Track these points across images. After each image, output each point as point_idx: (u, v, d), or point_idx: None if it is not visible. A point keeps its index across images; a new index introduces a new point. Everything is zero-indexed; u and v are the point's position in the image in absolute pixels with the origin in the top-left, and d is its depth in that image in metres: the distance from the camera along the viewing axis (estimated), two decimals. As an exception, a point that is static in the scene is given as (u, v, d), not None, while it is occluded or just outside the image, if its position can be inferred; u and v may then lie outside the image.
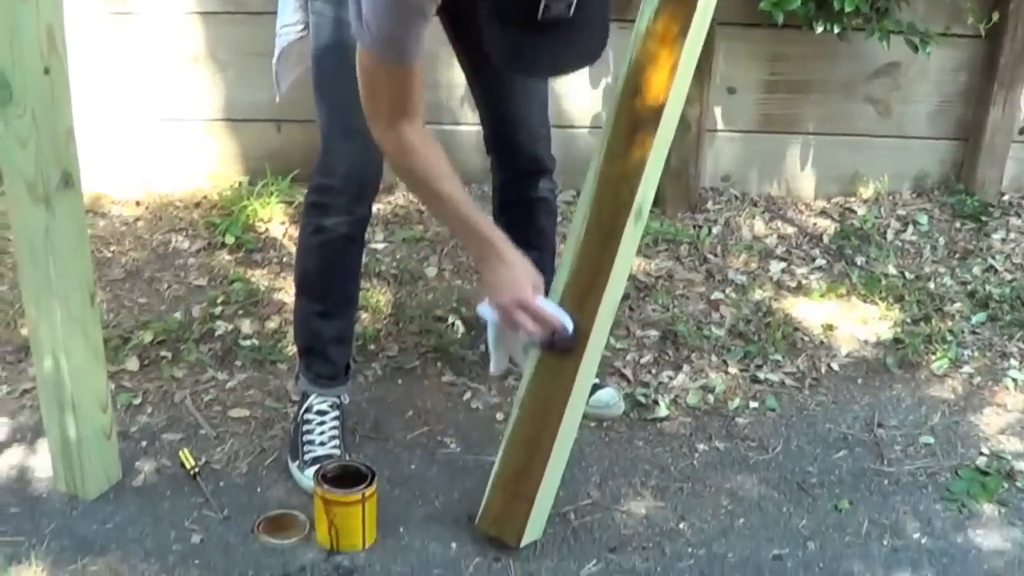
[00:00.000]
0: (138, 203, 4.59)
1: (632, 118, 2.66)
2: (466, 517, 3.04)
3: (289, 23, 3.12)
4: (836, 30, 4.37)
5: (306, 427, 3.22)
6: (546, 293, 2.81)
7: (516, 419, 2.88)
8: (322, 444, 3.18)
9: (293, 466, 3.19)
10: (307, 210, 3.15)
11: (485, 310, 2.84)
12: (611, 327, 3.65)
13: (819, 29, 4.35)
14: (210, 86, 4.66)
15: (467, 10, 2.75)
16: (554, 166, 3.42)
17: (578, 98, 4.66)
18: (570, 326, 2.74)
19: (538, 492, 2.86)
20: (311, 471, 3.05)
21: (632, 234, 2.68)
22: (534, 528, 2.94)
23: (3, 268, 4.10)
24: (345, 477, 2.91)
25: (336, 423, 3.24)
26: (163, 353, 3.70)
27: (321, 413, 3.24)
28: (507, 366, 2.97)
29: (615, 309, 2.81)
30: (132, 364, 3.64)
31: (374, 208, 3.24)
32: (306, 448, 3.18)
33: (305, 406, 3.26)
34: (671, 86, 2.63)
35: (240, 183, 4.70)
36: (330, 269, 3.18)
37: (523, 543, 2.91)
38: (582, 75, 4.57)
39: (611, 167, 2.67)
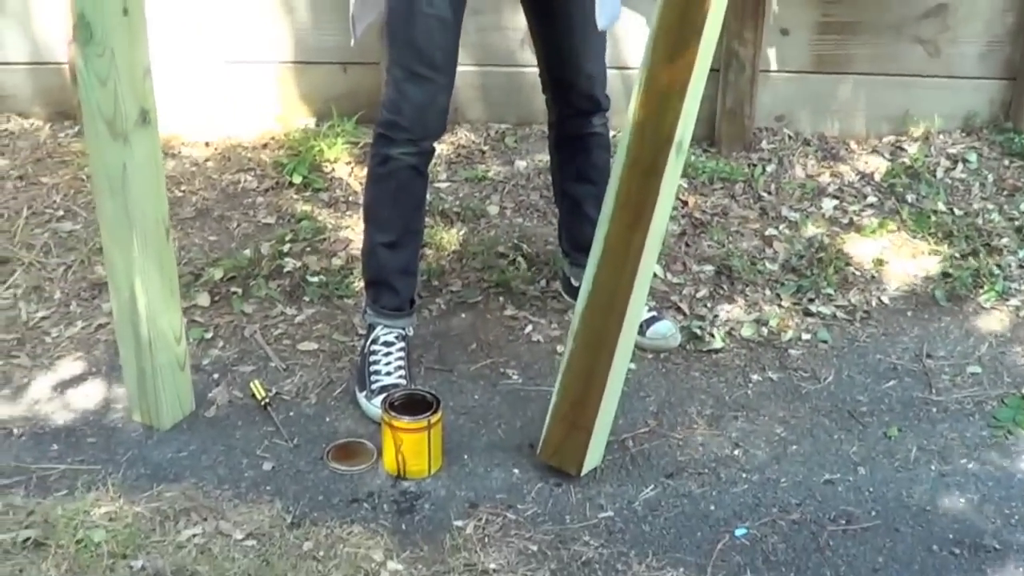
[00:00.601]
0: (207, 144, 4.67)
1: (669, 49, 2.70)
2: (527, 445, 3.15)
3: None
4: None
5: (373, 358, 3.32)
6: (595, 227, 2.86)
7: (571, 351, 2.95)
8: (388, 374, 3.27)
9: (360, 396, 3.28)
10: (375, 141, 3.23)
11: None
12: (668, 262, 3.78)
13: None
14: (277, 28, 4.72)
15: None
16: (609, 105, 3.48)
17: (634, 40, 4.71)
18: None
19: (595, 422, 2.95)
20: (378, 400, 3.14)
21: (674, 167, 2.73)
22: (593, 456, 3.04)
23: (75, 206, 4.21)
24: (411, 405, 3.00)
25: (402, 354, 3.33)
26: (233, 289, 3.80)
27: (388, 344, 3.33)
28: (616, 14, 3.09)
29: (660, 241, 2.86)
30: (203, 300, 3.74)
31: (437, 148, 3.33)
32: (373, 378, 3.27)
33: (372, 337, 3.35)
34: (705, 21, 2.67)
35: (307, 124, 4.78)
36: (396, 199, 3.26)
37: (583, 472, 3.02)
38: (638, 17, 4.62)
39: (650, 100, 2.72)
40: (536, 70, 3.49)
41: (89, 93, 2.73)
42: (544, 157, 4.46)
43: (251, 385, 3.34)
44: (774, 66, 4.83)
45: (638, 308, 2.92)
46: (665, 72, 2.66)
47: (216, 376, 3.41)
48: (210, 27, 4.69)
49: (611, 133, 3.59)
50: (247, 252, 3.98)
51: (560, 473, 3.03)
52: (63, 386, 3.34)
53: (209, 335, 3.59)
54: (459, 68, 3.19)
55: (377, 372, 3.29)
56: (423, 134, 3.18)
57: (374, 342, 3.35)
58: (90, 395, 3.31)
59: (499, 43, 4.70)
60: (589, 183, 3.54)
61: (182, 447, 3.11)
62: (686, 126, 2.72)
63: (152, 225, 2.91)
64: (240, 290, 3.80)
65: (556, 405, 3.02)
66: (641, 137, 2.71)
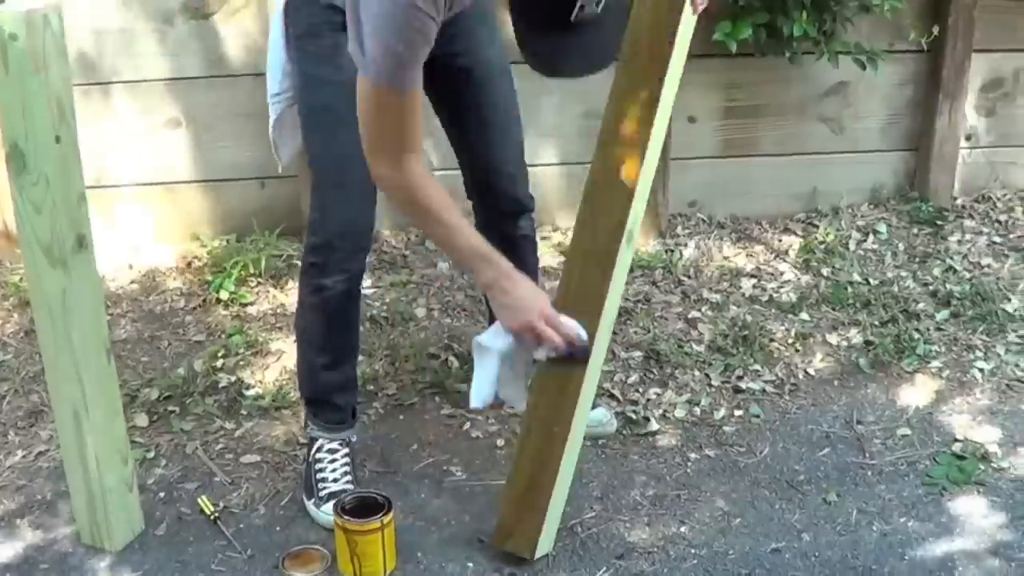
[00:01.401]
0: (131, 267, 4.69)
1: (618, 146, 2.77)
2: (477, 539, 3.17)
3: (278, 92, 3.21)
4: (787, 55, 4.55)
5: (318, 465, 3.34)
6: None
7: (525, 435, 3.03)
8: (335, 480, 3.29)
9: (309, 504, 3.30)
10: (305, 271, 3.24)
11: (491, 337, 2.87)
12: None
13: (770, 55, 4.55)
14: (192, 149, 4.76)
15: (443, 58, 2.90)
16: (533, 205, 3.51)
17: (552, 138, 4.83)
18: (584, 335, 2.83)
19: (549, 504, 3.00)
20: (328, 506, 3.16)
21: (625, 256, 2.80)
22: (545, 541, 3.07)
23: (4, 337, 4.20)
24: (362, 508, 3.02)
25: (347, 459, 3.36)
26: (171, 408, 3.80)
27: (332, 451, 3.35)
28: (490, 401, 2.95)
29: (611, 328, 2.93)
30: (142, 420, 3.73)
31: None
32: (320, 485, 3.29)
33: (316, 446, 3.37)
34: (653, 116, 2.76)
35: (229, 240, 4.80)
36: (332, 324, 3.27)
37: (536, 555, 3.05)
38: (555, 115, 4.72)
39: (601, 193, 2.78)
40: (454, 172, 3.51)
41: (25, 221, 2.75)
42: (466, 257, 4.54)
43: (198, 501, 3.33)
44: (684, 153, 4.94)
45: (590, 392, 3.01)
46: (614, 166, 2.75)
47: (162, 495, 3.40)
48: (125, 150, 4.73)
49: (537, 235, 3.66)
50: (181, 371, 3.98)
51: (514, 563, 3.06)
52: (10, 516, 3.31)
53: (151, 454, 3.59)
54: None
55: (324, 479, 3.30)
56: (351, 251, 3.18)
57: (318, 451, 3.37)
58: (38, 522, 3.29)
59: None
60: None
61: (136, 567, 3.09)
62: (637, 213, 2.79)
63: (94, 349, 2.92)
64: (178, 408, 3.80)
65: (510, 489, 3.08)
66: (593, 229, 2.78)
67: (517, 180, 3.42)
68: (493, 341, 2.86)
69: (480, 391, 2.91)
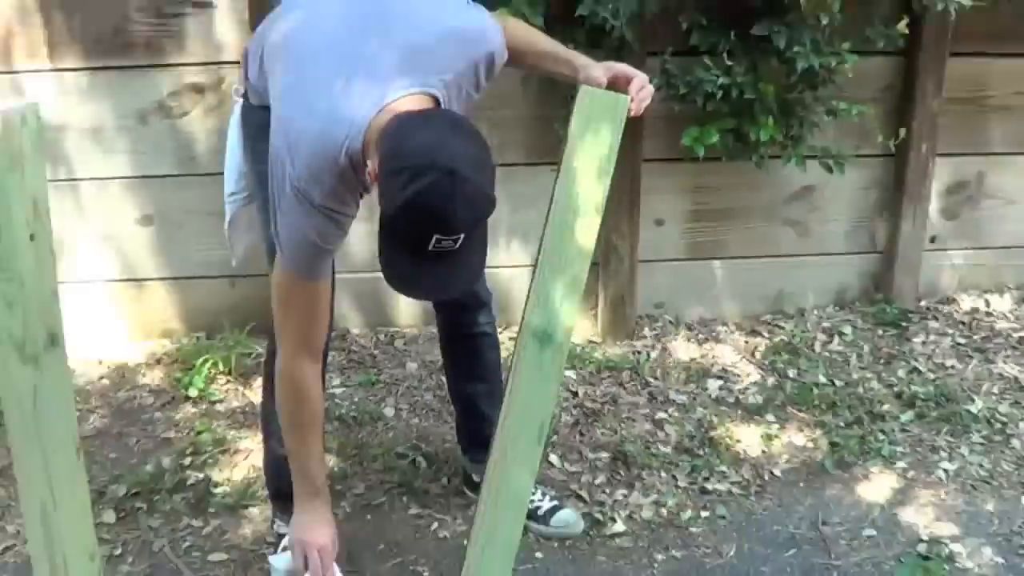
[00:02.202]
0: (100, 362, 4.69)
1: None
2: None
3: (234, 191, 3.29)
4: (753, 159, 4.61)
5: (285, 564, 3.35)
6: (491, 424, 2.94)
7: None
8: (302, 579, 3.31)
9: (275, 602, 3.31)
10: (267, 360, 3.28)
11: (277, 559, 3.08)
12: (564, 452, 3.87)
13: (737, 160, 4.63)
14: (164, 246, 4.79)
15: None
16: (490, 299, 3.56)
17: (515, 238, 4.88)
18: None
19: None
20: (295, 605, 3.17)
21: (535, 359, 2.82)
22: None
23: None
24: (328, 607, 3.04)
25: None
26: (138, 504, 3.79)
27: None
28: None
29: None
30: (109, 516, 3.72)
31: (329, 356, 3.38)
32: (287, 584, 3.30)
33: (283, 545, 3.37)
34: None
35: (199, 338, 4.83)
36: None
37: None
38: (519, 216, 4.76)
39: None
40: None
41: (-3, 318, 2.75)
42: (434, 357, 4.57)
43: (165, 599, 3.34)
44: (651, 255, 4.99)
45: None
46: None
47: (128, 592, 3.41)
48: (96, 248, 4.75)
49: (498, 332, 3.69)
50: (149, 467, 3.98)
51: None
52: (-26, 614, 3.32)
53: (118, 551, 3.57)
54: (347, 275, 3.26)
55: (291, 577, 3.30)
56: None
57: (285, 549, 3.35)
58: (2, 621, 3.30)
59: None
60: (482, 382, 3.63)
61: (101, 666, 3.09)
62: (546, 316, 2.80)
63: (63, 446, 2.91)
64: (145, 505, 3.79)
65: None
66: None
67: None
68: (279, 562, 3.07)
69: None
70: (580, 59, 2.95)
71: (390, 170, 2.34)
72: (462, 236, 2.33)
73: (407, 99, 2.55)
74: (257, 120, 3.03)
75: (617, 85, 2.82)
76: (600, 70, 2.86)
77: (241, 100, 3.18)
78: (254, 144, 3.10)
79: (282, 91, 2.73)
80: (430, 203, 2.28)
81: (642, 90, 2.81)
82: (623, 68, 2.86)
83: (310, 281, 2.75)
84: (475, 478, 3.65)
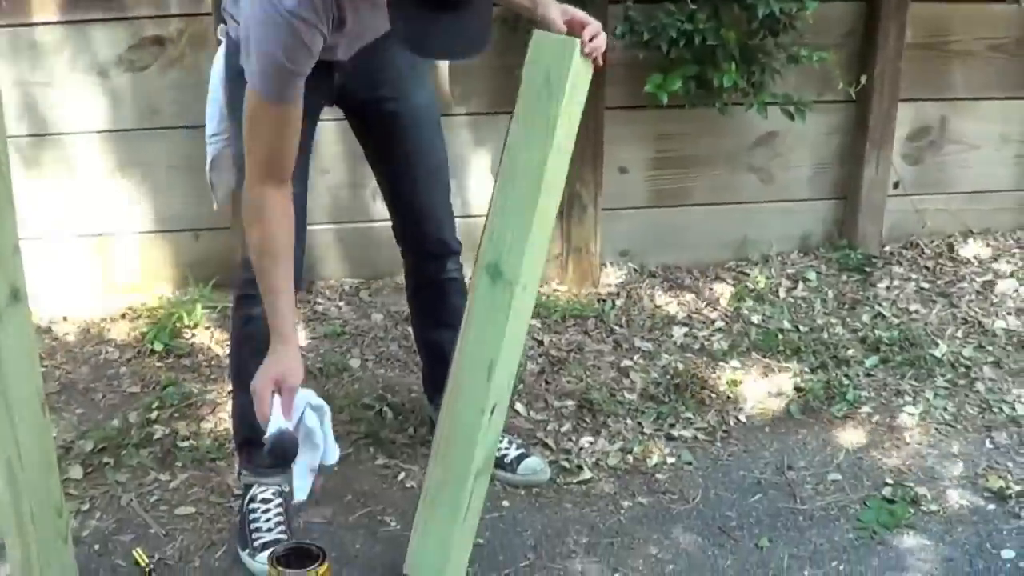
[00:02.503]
0: (65, 318, 4.67)
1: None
2: (410, 586, 3.19)
3: (216, 132, 3.27)
4: (716, 106, 4.61)
5: (252, 515, 3.34)
6: None
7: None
8: (269, 530, 3.29)
9: (244, 554, 3.29)
10: (236, 304, 3.29)
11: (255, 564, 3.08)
12: (530, 400, 3.88)
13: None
14: (127, 200, 4.77)
15: (373, 103, 2.97)
16: (460, 248, 3.57)
17: (487, 186, 4.85)
18: (279, 427, 2.81)
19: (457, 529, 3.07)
20: (262, 556, 3.16)
21: (487, 294, 2.87)
22: (456, 569, 3.14)
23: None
24: (297, 558, 2.99)
25: (280, 509, 3.36)
26: (105, 460, 3.78)
27: (265, 501, 3.35)
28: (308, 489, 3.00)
29: (504, 372, 2.96)
30: (76, 472, 3.71)
31: (297, 306, 3.38)
32: (254, 535, 3.29)
33: (249, 496, 3.38)
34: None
35: (163, 293, 4.81)
36: (263, 358, 3.30)
37: None
38: (483, 166, 4.76)
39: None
40: (386, 224, 3.56)
41: (-43, 274, 2.74)
42: (400, 308, 4.57)
43: (133, 553, 3.31)
44: (615, 204, 4.99)
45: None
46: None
47: (97, 547, 3.38)
48: (59, 202, 4.72)
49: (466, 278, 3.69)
50: (115, 422, 3.97)
51: (449, 613, 3.08)
52: (-57, 570, 3.31)
53: (85, 507, 3.56)
54: (312, 227, 3.26)
55: (258, 529, 3.30)
56: None
57: (252, 500, 3.37)
58: (-31, 578, 3.29)
59: (348, 199, 4.81)
60: (448, 328, 3.59)
61: (70, 620, 3.09)
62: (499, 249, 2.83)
63: (28, 401, 2.91)
64: (112, 460, 3.78)
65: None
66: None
67: (444, 224, 3.49)
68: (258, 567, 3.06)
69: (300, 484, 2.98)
70: None
71: None
72: None
73: None
74: (239, 62, 3.03)
75: (573, 31, 2.82)
76: (557, 12, 2.86)
77: (225, 39, 3.17)
78: (233, 86, 3.09)
79: None
80: None
81: (595, 38, 2.80)
82: (579, 14, 2.86)
83: (279, 103, 2.71)
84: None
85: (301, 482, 2.94)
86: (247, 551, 3.29)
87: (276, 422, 2.80)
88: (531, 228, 2.81)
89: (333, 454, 3.00)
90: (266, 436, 2.80)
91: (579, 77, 2.77)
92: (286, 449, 2.82)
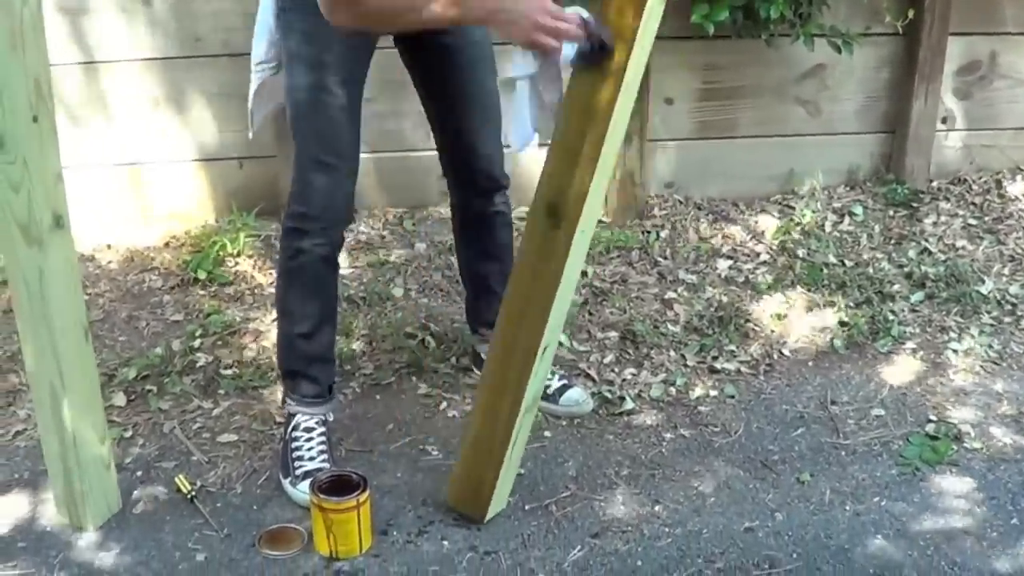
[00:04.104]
0: (109, 246, 4.69)
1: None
2: (452, 517, 3.19)
3: (264, 60, 3.24)
4: (763, 37, 4.56)
5: (295, 444, 3.35)
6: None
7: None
8: (311, 459, 3.30)
9: (285, 482, 3.31)
10: (285, 235, 3.26)
11: (515, 68, 2.80)
12: (573, 331, 3.87)
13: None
14: (171, 129, 4.77)
15: (428, 35, 2.95)
16: (508, 183, 3.55)
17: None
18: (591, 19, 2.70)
19: (500, 462, 3.06)
20: (303, 484, 3.18)
21: (543, 235, 2.84)
22: (498, 500, 3.16)
23: (-18, 319, 4.23)
24: (339, 486, 3.02)
25: (323, 438, 3.37)
26: (148, 387, 3.81)
27: (308, 430, 3.37)
28: (531, 140, 2.93)
29: (558, 314, 2.94)
30: (119, 399, 3.75)
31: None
32: (296, 464, 3.30)
33: (292, 424, 3.39)
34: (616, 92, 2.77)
35: (207, 221, 4.82)
36: (309, 292, 3.30)
37: (487, 517, 3.15)
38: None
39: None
40: (432, 153, 3.55)
41: (3, 201, 2.74)
42: (443, 238, 4.56)
43: (176, 479, 3.34)
44: (661, 135, 4.96)
45: (547, 356, 3.01)
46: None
47: (140, 474, 3.41)
48: (103, 130, 4.73)
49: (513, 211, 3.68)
50: (159, 350, 3.99)
51: (489, 541, 3.08)
52: (-13, 494, 3.34)
53: (128, 434, 3.60)
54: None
55: (300, 458, 3.32)
56: (332, 222, 3.22)
57: (295, 428, 3.38)
58: (15, 501, 3.29)
59: (392, 129, 4.79)
60: (495, 260, 3.62)
61: (114, 545, 3.09)
62: (561, 193, 2.81)
63: (71, 328, 2.93)
64: (155, 388, 3.81)
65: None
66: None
67: (494, 159, 3.46)
68: (519, 69, 2.82)
69: (518, 130, 2.91)
70: None
71: None
72: None
73: None
74: None
75: None
76: None
77: None
78: (287, 16, 3.10)
79: None
80: None
81: None
82: None
83: None
84: (484, 356, 3.66)
85: (519, 126, 2.89)
86: (289, 479, 3.30)
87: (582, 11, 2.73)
88: (593, 171, 2.77)
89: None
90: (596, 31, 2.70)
91: (653, 12, 2.72)
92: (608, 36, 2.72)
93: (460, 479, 3.17)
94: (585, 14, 2.71)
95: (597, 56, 2.71)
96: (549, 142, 2.82)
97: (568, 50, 2.71)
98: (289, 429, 3.40)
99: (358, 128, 3.20)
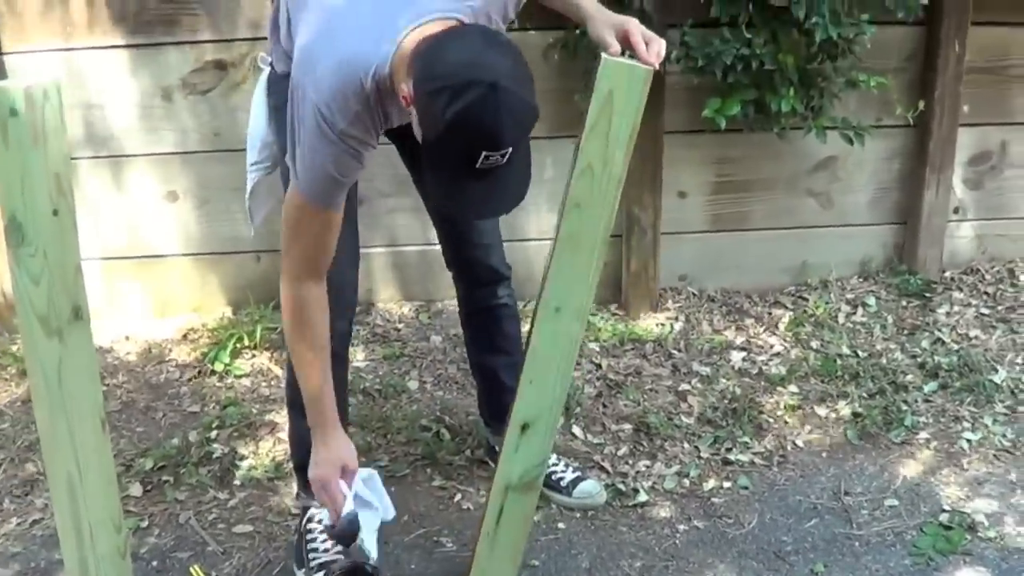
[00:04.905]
0: (127, 338, 4.73)
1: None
2: (467, 609, 3.21)
3: (257, 161, 3.29)
4: (775, 130, 4.61)
5: (309, 536, 3.37)
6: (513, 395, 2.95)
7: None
8: (326, 551, 3.32)
9: (299, 573, 3.33)
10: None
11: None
12: (587, 423, 3.88)
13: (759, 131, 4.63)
14: (190, 222, 4.83)
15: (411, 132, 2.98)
16: (510, 273, 3.59)
17: (535, 212, 4.89)
18: (348, 510, 2.88)
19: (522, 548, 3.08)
20: (318, 576, 3.21)
21: (550, 328, 2.86)
22: None
23: (2, 407, 4.25)
24: (352, 578, 3.07)
25: (337, 530, 3.40)
26: (165, 477, 3.83)
27: (322, 522, 3.39)
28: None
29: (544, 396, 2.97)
30: (135, 490, 3.77)
31: (353, 329, 3.42)
32: (311, 555, 3.32)
33: (307, 516, 3.41)
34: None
35: (224, 314, 4.86)
36: None
37: None
38: (536, 191, 4.77)
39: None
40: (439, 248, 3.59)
41: (23, 293, 2.77)
42: (458, 331, 4.56)
43: (191, 570, 3.35)
44: (674, 228, 4.99)
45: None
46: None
47: (155, 563, 3.43)
48: (121, 223, 4.79)
49: (519, 304, 3.71)
50: (175, 441, 4.02)
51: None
52: (3, 584, 3.36)
53: (144, 524, 3.62)
54: (371, 250, 3.29)
55: (315, 549, 3.33)
56: (338, 312, 3.17)
57: (309, 520, 3.40)
58: (31, 592, 3.33)
59: (407, 223, 4.82)
60: (503, 353, 3.65)
61: (128, 636, 3.12)
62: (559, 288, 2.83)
63: (89, 418, 2.94)
64: (171, 478, 3.83)
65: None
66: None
67: (492, 250, 3.50)
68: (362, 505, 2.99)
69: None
70: (592, 6, 2.90)
71: (429, 91, 2.32)
72: (509, 150, 2.33)
73: (436, 23, 2.53)
74: (283, 88, 3.05)
75: (626, 47, 2.77)
76: (607, 28, 2.77)
77: (267, 68, 3.20)
78: (279, 114, 3.11)
79: (305, 25, 2.74)
80: (475, 120, 2.27)
81: (651, 44, 2.74)
82: (628, 26, 2.74)
83: (324, 211, 2.73)
84: (498, 449, 3.66)
85: (371, 544, 2.94)
86: (303, 571, 3.32)
87: (347, 505, 2.87)
88: (591, 264, 2.81)
89: (390, 511, 3.02)
90: (338, 520, 2.86)
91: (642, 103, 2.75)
92: (354, 531, 2.87)
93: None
94: (347, 508, 2.88)
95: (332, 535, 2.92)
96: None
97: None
98: (303, 521, 3.42)
99: (355, 216, 3.24)
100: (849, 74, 4.52)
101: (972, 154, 5.15)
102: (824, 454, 3.99)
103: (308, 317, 2.86)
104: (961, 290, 5.10)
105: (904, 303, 4.98)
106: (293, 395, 3.39)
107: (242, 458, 3.94)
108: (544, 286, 2.79)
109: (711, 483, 3.82)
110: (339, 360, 3.30)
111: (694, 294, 5.09)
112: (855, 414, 4.18)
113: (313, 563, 3.30)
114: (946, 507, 3.66)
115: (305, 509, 3.43)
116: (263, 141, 3.26)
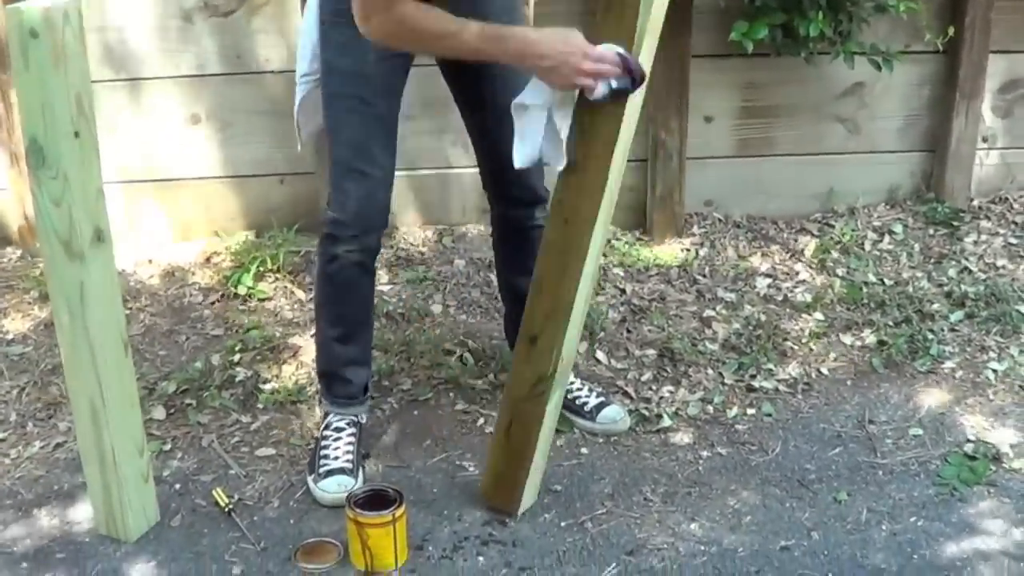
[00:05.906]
0: (150, 261, 4.73)
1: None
2: (488, 533, 3.20)
3: (308, 72, 3.30)
4: (803, 55, 4.56)
5: (323, 443, 3.43)
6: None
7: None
8: (336, 459, 3.37)
9: (309, 479, 3.38)
10: (321, 241, 3.34)
11: (531, 95, 2.86)
12: (611, 348, 3.87)
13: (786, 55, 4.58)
14: (213, 145, 4.81)
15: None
16: (548, 196, 3.52)
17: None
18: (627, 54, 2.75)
19: (531, 455, 3.15)
20: (325, 483, 3.29)
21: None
22: (529, 494, 3.25)
23: (24, 330, 4.26)
24: (375, 501, 3.05)
25: (352, 439, 3.44)
26: (187, 401, 3.84)
27: (338, 430, 3.44)
28: (535, 159, 2.97)
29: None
30: (159, 413, 3.78)
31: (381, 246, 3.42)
32: (322, 463, 3.37)
33: (325, 423, 3.47)
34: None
35: (248, 236, 4.85)
36: (344, 296, 3.39)
37: (520, 511, 3.23)
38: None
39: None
40: (472, 171, 3.57)
41: (44, 215, 2.78)
42: (482, 255, 4.57)
43: (213, 492, 3.37)
44: (700, 153, 4.96)
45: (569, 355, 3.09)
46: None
47: (178, 486, 3.44)
48: (146, 147, 4.77)
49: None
50: (198, 364, 4.02)
51: (524, 557, 3.10)
52: (28, 506, 3.35)
53: (167, 447, 3.62)
54: (396, 173, 3.28)
55: (326, 456, 3.38)
56: (365, 229, 3.27)
57: (326, 428, 3.47)
58: (55, 512, 3.33)
59: (431, 146, 4.80)
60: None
61: (151, 557, 3.12)
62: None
63: (111, 341, 2.95)
64: (194, 401, 3.83)
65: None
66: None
67: (532, 172, 3.45)
68: (535, 97, 2.87)
69: (524, 151, 2.95)
70: None
71: None
72: None
73: None
74: (333, 3, 3.06)
75: None
76: None
77: None
78: (324, 29, 3.17)
79: None
80: None
81: None
82: None
83: None
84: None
85: (525, 146, 2.94)
86: (312, 476, 3.38)
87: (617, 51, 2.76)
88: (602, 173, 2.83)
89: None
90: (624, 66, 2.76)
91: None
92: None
93: (491, 472, 3.29)
94: (620, 50, 2.75)
95: (633, 90, 2.77)
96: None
97: (603, 88, 2.76)
98: (322, 429, 3.48)
99: (394, 138, 3.27)
100: (878, -2, 4.47)
101: (1002, 82, 5.08)
102: (849, 382, 3.97)
103: (426, 19, 2.80)
104: (989, 219, 5.05)
105: (931, 231, 4.94)
106: (318, 298, 3.47)
107: (265, 381, 3.94)
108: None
109: (735, 410, 3.81)
110: (366, 271, 3.40)
111: (719, 219, 5.05)
112: (880, 342, 4.15)
113: (322, 469, 3.36)
114: (971, 437, 3.64)
115: (324, 415, 3.50)
116: (313, 53, 3.27)
